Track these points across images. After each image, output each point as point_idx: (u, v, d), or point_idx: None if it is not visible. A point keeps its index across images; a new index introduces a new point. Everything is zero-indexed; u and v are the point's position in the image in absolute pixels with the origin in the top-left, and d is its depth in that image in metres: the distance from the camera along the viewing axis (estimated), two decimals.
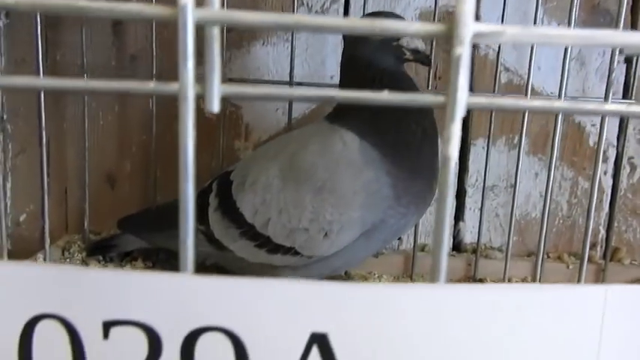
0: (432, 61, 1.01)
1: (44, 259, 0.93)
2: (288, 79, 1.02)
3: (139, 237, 0.95)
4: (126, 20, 1.03)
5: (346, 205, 0.75)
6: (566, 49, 0.97)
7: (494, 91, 1.03)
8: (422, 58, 0.79)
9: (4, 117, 1.10)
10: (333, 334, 0.25)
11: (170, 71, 1.06)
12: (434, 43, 1.01)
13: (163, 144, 1.08)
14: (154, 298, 0.26)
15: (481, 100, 0.29)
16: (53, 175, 1.09)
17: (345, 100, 0.28)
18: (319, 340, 0.25)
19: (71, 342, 0.25)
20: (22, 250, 1.07)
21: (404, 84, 0.79)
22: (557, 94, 1.07)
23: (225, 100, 1.06)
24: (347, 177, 0.75)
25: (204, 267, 0.93)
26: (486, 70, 1.07)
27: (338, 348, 0.25)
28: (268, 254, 0.80)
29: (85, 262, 0.99)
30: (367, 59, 0.79)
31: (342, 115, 0.80)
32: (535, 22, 0.96)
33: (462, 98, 0.27)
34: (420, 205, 0.80)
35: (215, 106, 0.28)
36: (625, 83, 1.07)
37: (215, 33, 0.27)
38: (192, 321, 0.26)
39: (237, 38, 1.05)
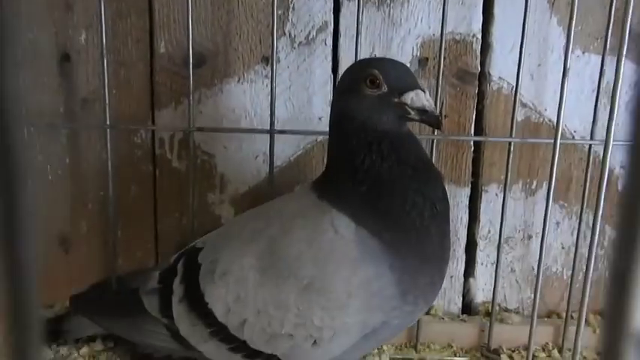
0: (438, 97, 0.86)
1: None
2: (268, 122, 0.86)
3: (94, 322, 0.80)
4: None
5: (340, 309, 0.60)
6: (599, 85, 0.83)
7: (511, 129, 0.88)
8: (430, 120, 0.63)
9: None
10: None
11: (130, 115, 0.90)
12: (440, 76, 0.85)
13: (124, 199, 0.92)
14: None
15: None
16: None
17: None
18: None
19: None
20: None
21: (409, 152, 0.64)
22: (580, 132, 0.93)
23: (195, 148, 0.90)
24: (340, 275, 0.60)
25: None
26: (500, 106, 0.92)
27: None
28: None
29: None
30: (362, 119, 0.64)
31: (333, 188, 0.65)
32: (567, 54, 0.79)
33: None
34: (429, 296, 0.66)
35: None
36: None
37: None
38: None
39: (207, 75, 0.89)
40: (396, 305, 0.61)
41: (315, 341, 0.62)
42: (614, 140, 0.88)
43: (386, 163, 0.63)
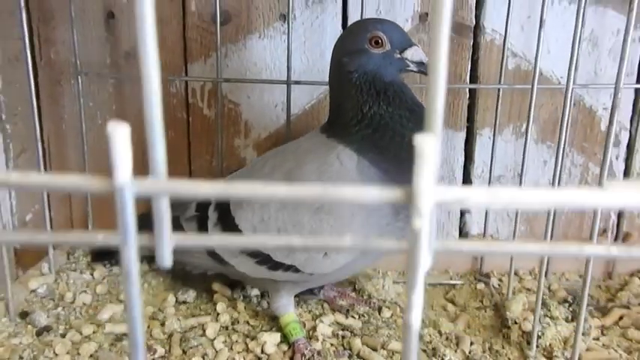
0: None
1: (49, 269, 0.94)
2: (286, 74, 0.98)
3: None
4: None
5: (345, 226, 0.74)
6: (575, 32, 0.92)
7: (500, 78, 0.98)
8: (427, 71, 0.75)
9: (3, 117, 1.09)
10: None
11: (166, 67, 1.03)
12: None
13: (166, 143, 1.06)
14: None
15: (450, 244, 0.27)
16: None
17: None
18: None
19: None
20: (30, 249, 1.08)
21: (407, 97, 0.77)
22: (566, 77, 1.02)
23: (223, 97, 1.03)
24: None
25: (206, 276, 0.93)
26: (493, 56, 1.02)
27: None
28: (269, 270, 0.80)
29: (90, 266, 1.00)
30: (371, 73, 0.76)
31: (341, 129, 0.78)
32: (543, 4, 0.88)
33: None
34: None
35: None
36: None
37: (164, 205, 0.26)
38: None
39: (232, 32, 1.01)
40: (390, 221, 0.75)
41: (325, 253, 0.76)
42: (596, 84, 0.99)
43: (391, 107, 0.75)
